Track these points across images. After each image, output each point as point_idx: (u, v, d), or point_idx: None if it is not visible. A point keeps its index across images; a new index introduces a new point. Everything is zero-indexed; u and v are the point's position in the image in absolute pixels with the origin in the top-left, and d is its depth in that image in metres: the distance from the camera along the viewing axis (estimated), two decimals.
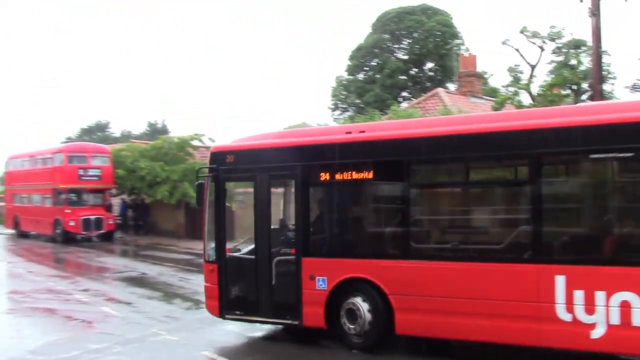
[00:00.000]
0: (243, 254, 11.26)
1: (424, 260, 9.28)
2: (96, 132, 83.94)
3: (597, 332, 7.99)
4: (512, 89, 25.81)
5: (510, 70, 32.16)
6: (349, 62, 50.91)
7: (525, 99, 23.93)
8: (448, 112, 23.41)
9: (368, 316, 9.64)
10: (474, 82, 30.22)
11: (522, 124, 8.93)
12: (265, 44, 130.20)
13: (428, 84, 47.52)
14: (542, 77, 40.87)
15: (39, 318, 13.32)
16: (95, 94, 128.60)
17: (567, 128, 8.34)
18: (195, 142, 34.25)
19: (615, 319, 7.87)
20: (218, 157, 11.26)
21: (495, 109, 20.99)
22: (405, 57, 49.45)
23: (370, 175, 9.82)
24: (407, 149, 9.59)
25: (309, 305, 10.06)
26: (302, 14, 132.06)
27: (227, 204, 11.64)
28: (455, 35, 47.67)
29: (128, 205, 35.94)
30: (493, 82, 45.91)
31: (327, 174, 10.08)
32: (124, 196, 35.58)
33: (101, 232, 30.92)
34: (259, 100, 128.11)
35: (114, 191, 34.60)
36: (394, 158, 9.70)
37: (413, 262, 9.29)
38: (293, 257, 10.31)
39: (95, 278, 18.85)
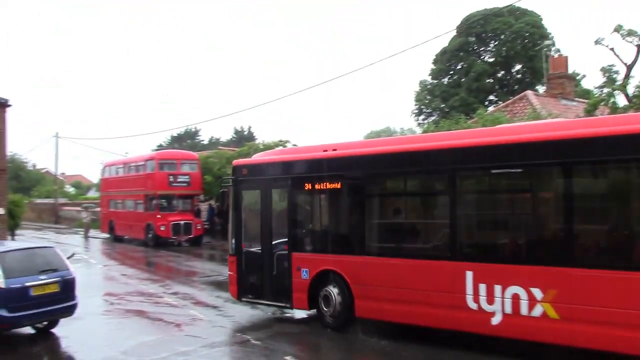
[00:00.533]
0: (254, 249, 13.43)
1: (374, 257, 11.21)
2: (186, 139, 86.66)
3: (496, 319, 9.55)
4: (606, 90, 24.62)
5: (604, 70, 30.63)
6: (432, 66, 50.26)
7: (621, 100, 22.78)
8: (537, 115, 22.62)
9: (338, 301, 11.71)
10: (565, 84, 29.05)
11: (440, 144, 10.79)
12: (265, 44, 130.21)
13: (516, 87, 46.16)
14: (639, 77, 38.86)
15: (131, 320, 13.82)
16: (94, 93, 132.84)
17: (476, 147, 10.12)
18: (279, 149, 34.77)
19: (509, 309, 9.40)
20: (236, 170, 13.85)
21: (588, 112, 20.10)
22: (492, 60, 48.29)
23: (338, 186, 11.88)
24: (362, 164, 11.70)
25: (297, 292, 12.32)
26: (302, 14, 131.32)
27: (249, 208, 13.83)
28: (545, 35, 46.05)
29: (215, 211, 36.85)
30: (586, 84, 44.06)
31: (308, 184, 12.35)
32: (212, 202, 36.52)
33: (190, 236, 31.86)
34: (341, 107, 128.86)
35: (201, 197, 35.58)
36: (353, 173, 11.77)
37: (366, 257, 11.28)
38: (286, 252, 12.54)
39: (184, 282, 19.40)
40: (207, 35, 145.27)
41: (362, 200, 11.61)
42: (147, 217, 32.00)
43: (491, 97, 48.60)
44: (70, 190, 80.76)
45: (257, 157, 14.60)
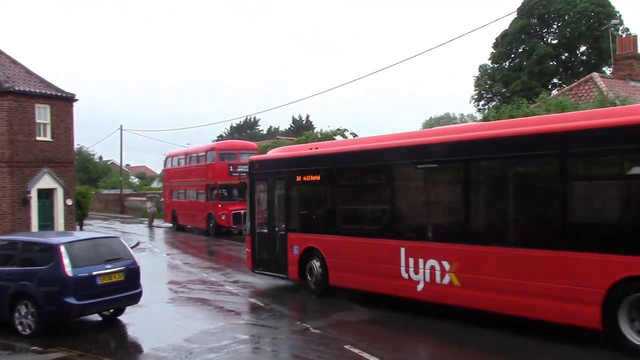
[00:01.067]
0: (263, 230, 16.38)
1: (339, 236, 13.98)
2: (245, 129, 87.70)
3: (420, 287, 12.02)
4: None
5: None
6: (493, 50, 49.14)
7: None
8: (604, 98, 21.81)
9: (319, 272, 14.51)
10: (634, 65, 27.89)
11: (381, 144, 13.34)
12: (265, 44, 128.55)
13: (581, 69, 44.66)
14: None
15: (193, 308, 14.09)
16: (158, 86, 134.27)
17: (405, 147, 12.73)
18: (338, 138, 34.72)
19: (428, 278, 11.83)
20: (251, 164, 17.11)
21: None
22: (555, 42, 46.83)
23: (318, 178, 14.76)
24: (332, 160, 14.51)
25: (291, 265, 15.22)
26: (302, 13, 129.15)
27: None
28: (611, 14, 44.24)
29: None
30: None
31: (298, 176, 15.28)
32: None
33: None
34: (399, 95, 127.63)
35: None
36: (324, 167, 14.61)
37: (335, 237, 14.10)
38: (284, 233, 15.45)
39: (244, 270, 19.61)
40: (207, 35, 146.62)
41: (332, 189, 14.48)
42: (208, 206, 32.59)
43: (555, 81, 47.18)
44: (135, 181, 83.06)
45: (270, 154, 17.42)
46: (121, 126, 60.11)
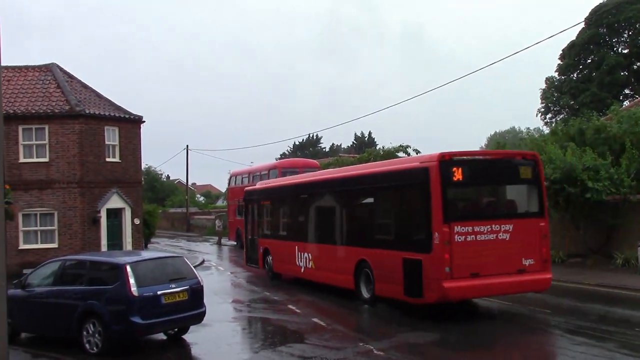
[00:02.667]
0: (249, 237, 24.04)
1: (277, 240, 21.27)
2: (308, 147, 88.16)
3: (302, 270, 19.26)
4: None
5: None
6: (559, 62, 47.87)
7: None
8: None
9: (270, 264, 21.83)
10: None
11: (328, 177, 19.13)
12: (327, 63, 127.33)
13: None
14: None
15: (256, 327, 14.10)
16: (223, 106, 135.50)
17: (316, 181, 19.73)
18: (401, 154, 34.44)
19: (305, 263, 19.03)
20: (245, 193, 24.86)
21: None
22: (626, 51, 45.25)
23: (268, 203, 22.38)
24: (270, 191, 22.55)
25: (259, 260, 22.72)
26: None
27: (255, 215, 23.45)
28: None
29: None
30: None
31: (262, 201, 22.82)
32: None
33: None
34: (464, 109, 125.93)
35: None
36: (271, 195, 22.25)
37: (275, 241, 21.44)
38: (257, 238, 23.11)
39: (307, 289, 19.56)
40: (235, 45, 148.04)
41: (272, 210, 22.27)
42: None
43: (626, 91, 45.57)
44: (201, 199, 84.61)
45: (256, 186, 24.63)
46: (187, 146, 61.53)
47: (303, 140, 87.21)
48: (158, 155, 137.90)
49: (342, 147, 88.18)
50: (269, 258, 21.76)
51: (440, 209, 13.10)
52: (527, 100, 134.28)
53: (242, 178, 38.51)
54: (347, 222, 17.07)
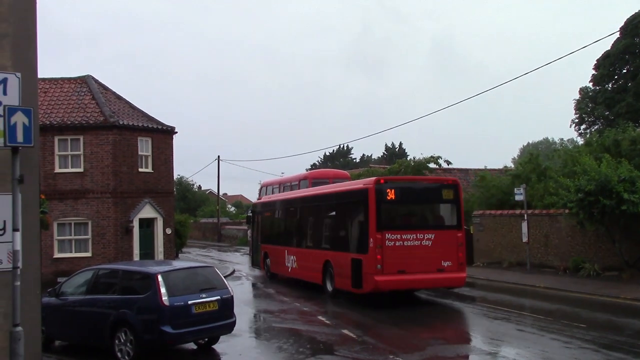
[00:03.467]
0: (255, 244, 28.76)
1: (273, 245, 25.48)
2: (338, 158, 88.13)
3: (289, 269, 23.54)
4: None
5: None
6: (594, 72, 47.17)
7: None
8: None
9: (268, 265, 25.99)
10: None
11: (305, 194, 23.86)
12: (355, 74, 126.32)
13: None
14: None
15: (285, 338, 14.06)
16: (252, 116, 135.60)
17: (311, 196, 22.92)
18: (432, 165, 34.21)
19: (291, 264, 23.20)
20: (253, 205, 31.18)
21: None
22: None
23: (267, 214, 26.94)
24: (266, 204, 27.46)
25: (261, 262, 27.28)
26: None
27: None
28: None
29: None
30: None
31: (262, 213, 27.60)
32: None
33: None
34: (496, 120, 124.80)
35: None
36: (269, 208, 26.99)
37: (271, 246, 25.77)
38: (260, 244, 27.55)
39: (337, 300, 19.51)
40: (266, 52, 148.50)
41: (269, 220, 26.81)
42: None
43: None
44: (232, 209, 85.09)
45: (261, 199, 29.79)
46: (218, 157, 62.05)
47: (333, 151, 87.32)
48: (190, 165, 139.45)
49: (373, 157, 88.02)
50: (268, 260, 26.43)
51: (375, 220, 17.37)
52: (560, 111, 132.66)
53: (273, 188, 38.52)
54: (317, 230, 21.68)
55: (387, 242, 17.22)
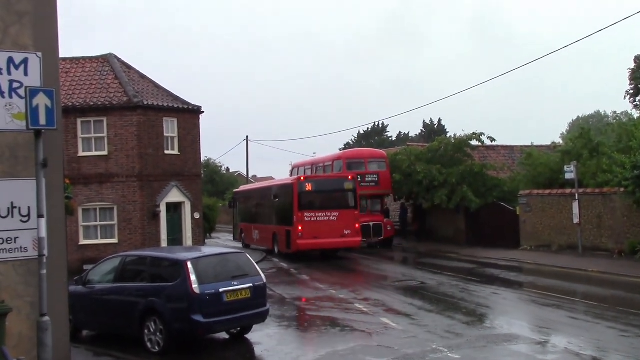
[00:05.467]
0: (235, 223, 40.60)
1: (246, 223, 36.36)
2: (373, 136, 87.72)
3: (255, 241, 34.30)
4: None
5: None
6: None
7: None
8: None
9: (244, 239, 36.43)
10: None
11: (267, 185, 36.88)
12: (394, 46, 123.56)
13: None
14: None
15: (321, 327, 14.13)
16: (282, 94, 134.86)
17: (265, 188, 36.06)
18: (474, 142, 33.78)
19: (255, 237, 34.09)
20: (234, 192, 42.61)
21: None
22: None
23: (243, 200, 38.32)
24: (245, 193, 39.53)
25: (238, 236, 38.46)
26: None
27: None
28: None
29: (408, 211, 36.82)
30: None
31: (242, 199, 38.73)
32: (402, 201, 36.54)
33: (380, 238, 32.09)
34: (544, 93, 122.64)
35: (391, 196, 35.68)
36: (244, 195, 38.86)
37: (245, 224, 36.73)
38: (238, 223, 39.23)
39: (375, 287, 19.55)
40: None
41: (244, 205, 37.72)
42: None
43: None
44: None
45: (239, 188, 43.49)
46: (247, 137, 62.25)
47: (368, 129, 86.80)
48: (217, 147, 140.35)
49: (410, 135, 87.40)
50: (243, 235, 36.68)
51: (297, 204, 27.47)
52: (613, 81, 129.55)
53: (305, 170, 38.71)
54: (269, 211, 31.94)
55: (305, 218, 27.28)
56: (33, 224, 8.44)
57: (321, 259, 28.25)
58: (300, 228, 27.08)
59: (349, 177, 28.88)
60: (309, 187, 27.73)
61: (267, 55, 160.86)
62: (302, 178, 28.38)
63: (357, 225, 27.82)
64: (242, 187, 43.29)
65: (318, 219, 27.25)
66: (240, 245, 35.81)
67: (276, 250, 30.11)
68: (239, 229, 38.01)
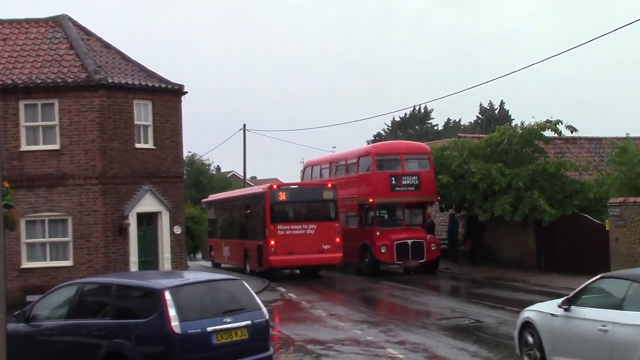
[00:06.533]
0: (205, 239, 49.34)
1: (214, 239, 43.37)
2: (413, 125, 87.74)
3: (225, 258, 40.52)
4: None
5: None
6: None
7: None
8: None
9: (213, 256, 43.41)
10: None
11: (237, 194, 43.65)
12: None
13: None
14: None
15: None
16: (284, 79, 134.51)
17: (231, 198, 43.72)
18: (548, 133, 33.57)
19: (226, 254, 40.05)
20: (203, 202, 49.46)
21: None
22: None
23: (213, 211, 45.99)
24: (215, 203, 46.11)
25: (207, 254, 47.44)
26: None
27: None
28: None
29: (460, 224, 36.54)
30: None
31: (214, 208, 45.92)
32: (451, 211, 36.29)
33: (421, 261, 31.86)
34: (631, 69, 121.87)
35: (436, 205, 35.53)
36: (214, 205, 46.13)
37: (214, 240, 43.43)
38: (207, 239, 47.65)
39: (414, 326, 19.52)
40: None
41: (215, 217, 44.51)
42: (362, 234, 32.74)
43: None
44: None
45: (208, 199, 48.90)
46: (244, 125, 62.23)
47: (406, 115, 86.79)
48: (205, 139, 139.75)
49: (462, 123, 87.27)
50: (212, 252, 42.81)
51: (269, 216, 31.38)
52: None
53: (321, 169, 38.73)
54: (239, 224, 37.45)
55: (279, 231, 31.07)
56: None
57: (340, 290, 29.20)
58: (272, 243, 30.87)
59: (328, 185, 32.73)
60: (282, 196, 31.96)
61: (275, 13, 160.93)
62: (274, 186, 32.85)
63: (337, 239, 31.39)
64: (211, 197, 48.73)
65: (293, 232, 31.26)
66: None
67: (248, 269, 34.59)
68: (208, 245, 44.43)
